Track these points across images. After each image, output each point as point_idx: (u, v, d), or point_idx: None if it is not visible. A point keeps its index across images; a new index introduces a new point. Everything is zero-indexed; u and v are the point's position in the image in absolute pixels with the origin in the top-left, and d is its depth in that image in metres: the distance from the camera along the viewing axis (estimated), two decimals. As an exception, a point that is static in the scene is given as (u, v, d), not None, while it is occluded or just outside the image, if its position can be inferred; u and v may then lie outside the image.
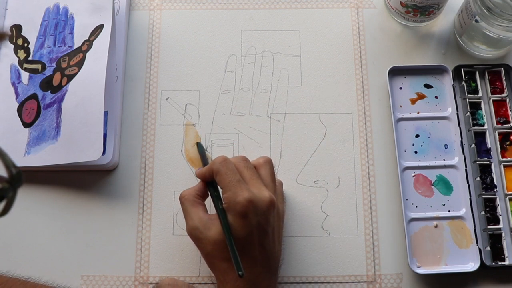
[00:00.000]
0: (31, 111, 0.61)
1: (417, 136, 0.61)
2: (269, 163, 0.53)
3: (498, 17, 0.56)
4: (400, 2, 0.63)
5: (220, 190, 0.50)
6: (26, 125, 0.60)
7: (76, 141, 0.57)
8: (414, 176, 0.60)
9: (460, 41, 0.65)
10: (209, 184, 0.52)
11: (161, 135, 0.62)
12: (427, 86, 0.63)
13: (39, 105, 0.60)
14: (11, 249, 0.58)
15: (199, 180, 0.53)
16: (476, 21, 0.59)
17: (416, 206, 0.58)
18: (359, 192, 0.60)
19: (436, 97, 0.63)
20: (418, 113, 0.62)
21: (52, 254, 0.58)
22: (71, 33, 0.63)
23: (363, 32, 0.66)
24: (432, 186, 0.59)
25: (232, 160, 0.50)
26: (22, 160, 0.59)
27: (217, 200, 0.50)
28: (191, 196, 0.50)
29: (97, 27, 0.62)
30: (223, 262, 0.47)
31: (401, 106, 0.62)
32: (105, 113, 0.58)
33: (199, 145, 0.60)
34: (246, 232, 0.47)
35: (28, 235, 0.58)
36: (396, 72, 0.63)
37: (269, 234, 0.48)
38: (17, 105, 0.61)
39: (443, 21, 0.67)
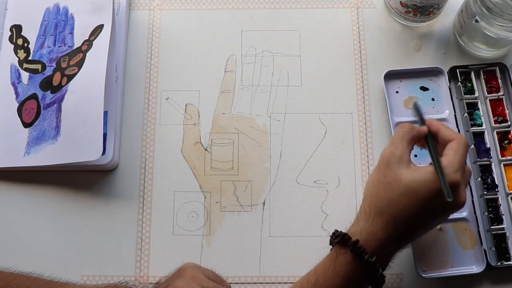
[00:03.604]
0: (31, 111, 0.61)
1: (416, 138, 0.61)
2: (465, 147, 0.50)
3: (498, 17, 0.56)
4: (400, 2, 0.63)
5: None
6: (26, 125, 0.60)
7: (76, 141, 0.57)
8: None
9: (460, 41, 0.65)
10: (430, 136, 0.50)
11: (161, 135, 0.62)
12: (423, 88, 0.63)
13: (39, 105, 0.60)
14: (11, 249, 0.58)
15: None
16: (476, 21, 0.59)
17: None
18: (359, 192, 0.60)
19: (432, 99, 0.62)
20: (415, 116, 0.61)
21: (52, 254, 0.58)
22: (71, 33, 0.63)
23: (363, 32, 0.66)
24: None
25: None
26: (22, 160, 0.59)
27: (435, 151, 0.48)
28: (414, 132, 0.49)
29: (97, 27, 0.62)
30: (392, 202, 0.46)
31: (398, 110, 0.62)
32: (105, 113, 0.58)
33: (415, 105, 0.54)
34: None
35: (28, 235, 0.58)
36: (391, 76, 0.63)
37: (434, 222, 0.49)
38: (17, 105, 0.61)
39: (443, 21, 0.67)
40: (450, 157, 0.47)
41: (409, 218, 0.46)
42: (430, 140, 0.50)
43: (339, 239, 0.46)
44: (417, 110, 0.52)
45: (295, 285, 0.47)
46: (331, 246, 0.48)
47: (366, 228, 0.46)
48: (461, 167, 0.47)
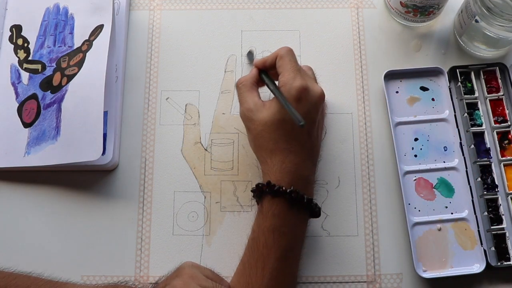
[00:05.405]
0: (31, 111, 0.61)
1: (416, 139, 0.61)
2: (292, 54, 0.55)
3: (498, 17, 0.56)
4: (400, 2, 0.63)
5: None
6: (26, 125, 0.60)
7: (76, 141, 0.57)
8: (415, 180, 0.59)
9: (460, 41, 0.65)
10: (263, 72, 0.56)
11: (161, 135, 0.62)
12: (423, 88, 0.63)
13: (39, 105, 0.60)
14: (11, 249, 0.58)
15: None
16: (476, 21, 0.59)
17: (419, 210, 0.58)
18: (359, 192, 0.60)
19: (432, 99, 0.62)
20: (415, 116, 0.62)
21: (52, 254, 0.58)
22: (71, 33, 0.63)
23: (363, 32, 0.66)
24: (434, 189, 0.59)
25: None
26: (22, 160, 0.59)
27: (271, 82, 0.54)
28: (248, 82, 0.55)
29: (97, 27, 0.62)
30: (271, 142, 0.51)
31: (398, 110, 0.62)
32: (105, 113, 0.58)
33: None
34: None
35: (28, 235, 0.58)
36: (391, 76, 0.63)
37: (316, 124, 0.53)
38: (17, 105, 0.61)
39: (443, 21, 0.67)
40: (283, 74, 0.52)
41: (299, 137, 0.51)
42: (263, 75, 0.55)
43: (256, 192, 0.51)
44: (249, 56, 0.60)
45: (244, 253, 0.51)
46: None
47: (272, 171, 0.50)
48: (296, 71, 0.52)
